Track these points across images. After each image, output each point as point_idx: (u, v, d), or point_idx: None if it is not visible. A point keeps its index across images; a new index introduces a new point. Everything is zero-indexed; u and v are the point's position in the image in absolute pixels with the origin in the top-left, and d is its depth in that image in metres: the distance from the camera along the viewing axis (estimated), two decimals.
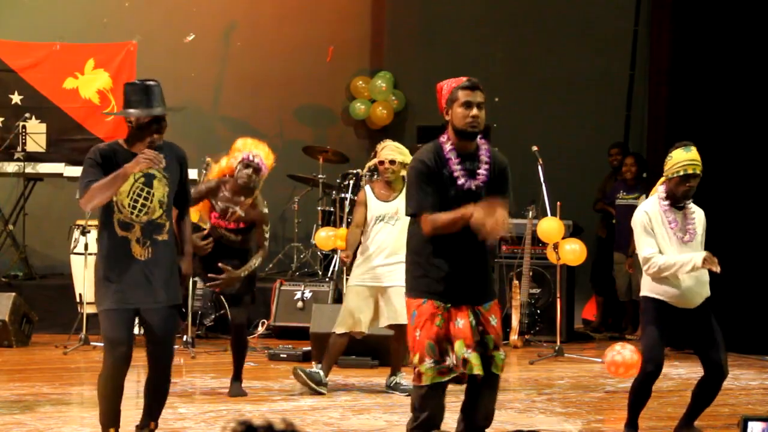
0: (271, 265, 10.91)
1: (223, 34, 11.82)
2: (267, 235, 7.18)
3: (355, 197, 7.95)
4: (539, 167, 9.12)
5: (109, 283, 5.28)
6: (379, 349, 8.11)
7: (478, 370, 4.96)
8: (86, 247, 9.01)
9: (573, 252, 8.97)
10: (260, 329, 9.66)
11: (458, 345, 4.97)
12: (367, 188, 7.45)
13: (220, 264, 6.94)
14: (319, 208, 10.74)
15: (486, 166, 5.07)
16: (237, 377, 7.26)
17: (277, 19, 11.96)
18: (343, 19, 12.11)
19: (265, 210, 7.16)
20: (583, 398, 7.41)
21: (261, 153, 7.09)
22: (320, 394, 7.24)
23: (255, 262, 7.11)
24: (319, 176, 10.77)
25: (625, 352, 5.93)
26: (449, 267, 5.02)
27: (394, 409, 6.84)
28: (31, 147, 10.44)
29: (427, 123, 10.58)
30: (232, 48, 11.84)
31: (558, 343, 9.03)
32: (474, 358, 4.97)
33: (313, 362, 7.58)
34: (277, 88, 11.88)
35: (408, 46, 12.17)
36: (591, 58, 11.62)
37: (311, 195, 11.08)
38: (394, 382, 7.39)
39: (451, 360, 4.99)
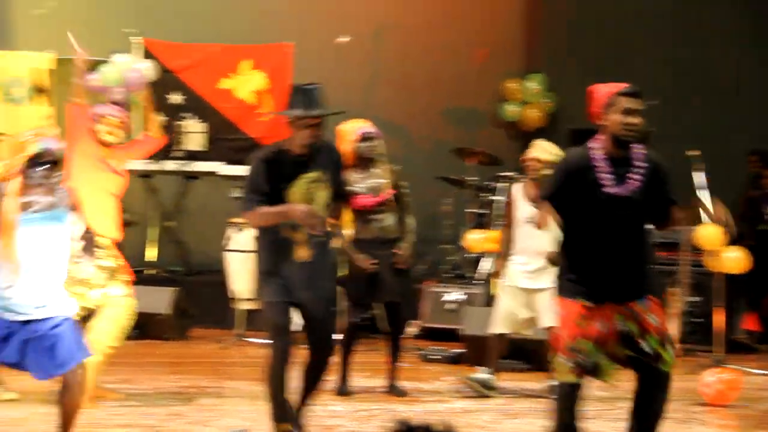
0: (421, 267, 10.93)
1: (375, 37, 11.90)
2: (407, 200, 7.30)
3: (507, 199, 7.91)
4: (697, 172, 8.90)
5: (271, 278, 5.48)
6: (532, 353, 8.04)
7: (605, 377, 4.95)
8: (241, 244, 9.20)
9: (735, 260, 8.71)
10: (412, 330, 9.68)
11: (593, 346, 4.94)
12: (516, 188, 7.42)
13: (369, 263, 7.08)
14: (469, 210, 10.71)
15: (639, 171, 5.00)
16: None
17: (429, 22, 11.98)
18: (494, 20, 12.06)
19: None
20: (746, 412, 7.20)
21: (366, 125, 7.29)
22: (487, 396, 7.24)
23: (412, 236, 7.24)
24: (470, 178, 10.74)
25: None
26: (596, 265, 4.98)
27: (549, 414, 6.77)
28: (191, 146, 10.71)
29: (580, 126, 10.42)
30: (384, 50, 11.90)
31: (721, 353, 8.76)
32: (606, 364, 4.95)
33: (477, 367, 7.51)
34: (427, 90, 11.90)
35: (562, 47, 12.04)
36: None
37: (461, 197, 11.06)
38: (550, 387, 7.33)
39: (586, 361, 4.95)
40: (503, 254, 7.35)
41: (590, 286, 4.97)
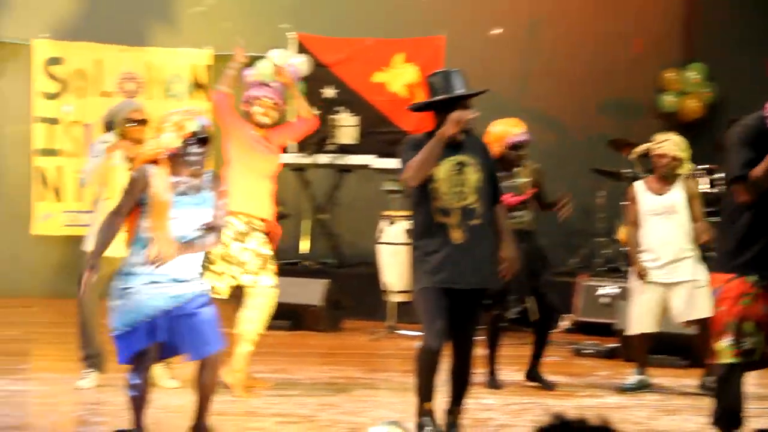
0: (574, 260, 10.79)
1: (529, 29, 11.78)
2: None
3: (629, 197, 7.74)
4: None
5: (425, 265, 5.47)
6: (689, 349, 7.83)
7: (759, 362, 4.77)
8: (393, 237, 9.24)
9: None
10: (565, 324, 9.54)
11: (755, 328, 4.78)
12: (638, 184, 7.30)
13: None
14: (624, 202, 10.48)
15: None
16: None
17: (583, 12, 11.79)
18: (651, 10, 11.80)
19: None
20: None
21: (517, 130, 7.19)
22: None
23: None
24: (625, 170, 10.52)
25: None
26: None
27: (706, 411, 6.59)
28: (343, 139, 10.80)
29: (742, 116, 10.10)
30: (538, 42, 11.77)
31: None
32: (762, 349, 4.78)
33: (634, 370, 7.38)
34: (583, 82, 11.72)
35: (723, 35, 11.69)
36: None
37: (616, 189, 10.85)
38: (707, 382, 7.14)
39: (745, 342, 4.79)
40: (633, 253, 7.21)
41: (761, 259, 4.81)
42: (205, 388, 5.33)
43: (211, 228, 5.26)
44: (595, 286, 9.62)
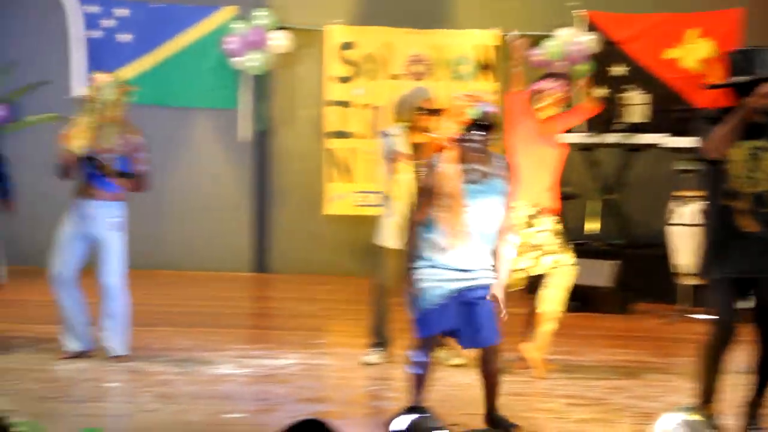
0: None
1: None
2: None
3: None
4: None
5: (716, 253, 5.24)
6: None
7: None
8: (685, 218, 8.96)
9: None
10: None
11: None
12: None
13: None
14: None
15: None
16: None
17: None
18: None
19: None
20: None
21: None
22: None
23: None
24: None
25: None
26: None
27: None
28: (633, 118, 10.55)
29: None
30: None
31: None
32: None
33: None
34: None
35: None
36: None
37: None
38: None
39: None
40: None
41: None
42: (489, 377, 5.38)
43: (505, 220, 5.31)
44: None
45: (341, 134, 11.18)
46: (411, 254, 5.32)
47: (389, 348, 7.17)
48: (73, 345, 7.01)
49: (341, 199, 11.14)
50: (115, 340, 6.97)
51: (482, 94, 5.60)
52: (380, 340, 7.16)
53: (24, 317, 7.74)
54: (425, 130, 6.89)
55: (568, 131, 7.73)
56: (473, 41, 11.17)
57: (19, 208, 9.61)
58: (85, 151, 6.82)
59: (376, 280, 7.14)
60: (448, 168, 5.20)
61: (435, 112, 6.91)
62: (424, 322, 5.27)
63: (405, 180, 6.86)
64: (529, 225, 6.77)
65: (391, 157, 6.96)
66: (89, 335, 7.05)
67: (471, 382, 6.10)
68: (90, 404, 6.05)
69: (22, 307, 8.19)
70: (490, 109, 5.27)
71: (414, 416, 4.87)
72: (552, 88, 6.93)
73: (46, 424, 4.85)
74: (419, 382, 5.39)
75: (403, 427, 4.81)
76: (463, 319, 5.25)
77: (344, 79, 11.20)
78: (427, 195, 5.27)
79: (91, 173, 6.87)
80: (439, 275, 5.23)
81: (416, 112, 6.95)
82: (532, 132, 6.88)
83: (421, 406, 5.26)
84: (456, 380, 6.56)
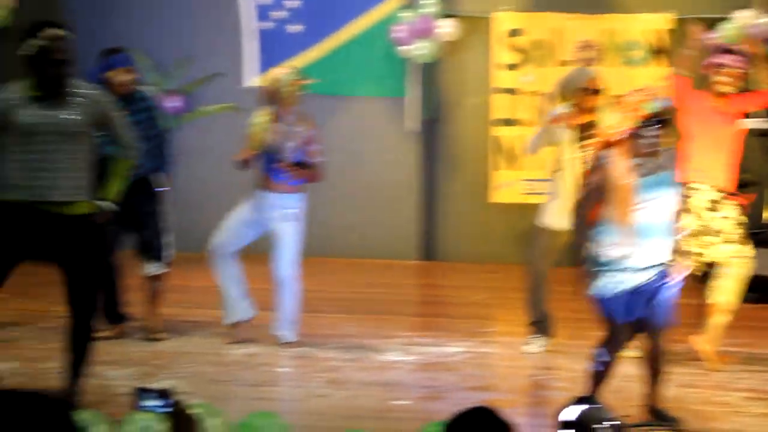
0: None
1: None
2: None
3: None
4: None
5: None
6: None
7: None
8: None
9: None
10: None
11: None
12: None
13: None
14: None
15: None
16: None
17: None
18: None
19: None
20: None
21: None
22: None
23: None
24: None
25: None
26: None
27: None
28: None
29: None
30: None
31: None
32: None
33: None
34: None
35: None
36: None
37: None
38: None
39: None
40: None
41: None
42: (655, 368, 5.27)
43: (678, 212, 5.21)
44: None
45: (509, 122, 11.09)
46: (583, 252, 5.25)
47: (550, 335, 7.08)
48: (230, 317, 7.17)
49: (508, 187, 11.06)
50: (286, 326, 7.09)
51: (656, 88, 5.49)
52: (540, 327, 7.08)
53: (196, 302, 7.95)
54: (590, 110, 6.80)
55: (746, 116, 7.47)
56: (645, 26, 10.91)
57: (191, 197, 9.91)
58: (264, 144, 6.94)
59: (533, 263, 7.06)
60: (620, 164, 5.12)
61: (598, 92, 6.82)
62: (608, 314, 5.21)
63: (569, 160, 6.80)
64: (712, 209, 6.59)
65: (543, 140, 6.91)
66: (246, 307, 7.17)
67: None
68: (262, 388, 6.17)
69: (194, 292, 8.42)
70: (666, 104, 5.17)
71: (584, 407, 4.79)
72: (731, 62, 6.72)
73: (220, 407, 4.95)
74: (596, 378, 5.32)
75: (573, 417, 4.74)
76: (641, 310, 5.19)
77: (512, 66, 11.10)
78: (598, 193, 5.19)
79: (269, 165, 6.99)
80: (618, 274, 5.16)
81: (580, 93, 6.86)
82: (707, 111, 6.69)
83: (592, 397, 5.18)
84: (629, 372, 6.41)
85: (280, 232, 7.01)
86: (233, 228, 7.07)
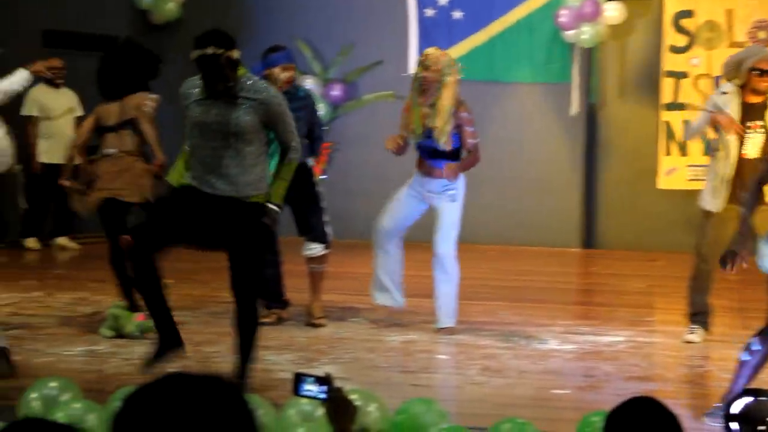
0: None
1: None
2: None
3: None
4: None
5: None
6: None
7: None
8: None
9: None
10: None
11: None
12: None
13: None
14: None
15: None
16: None
17: None
18: None
19: None
20: None
21: None
22: None
23: None
24: None
25: None
26: None
27: None
28: None
29: None
30: None
31: None
32: None
33: None
34: None
35: None
36: None
37: None
38: None
39: None
40: None
41: None
42: None
43: None
44: None
45: (677, 106, 10.84)
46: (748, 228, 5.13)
47: (709, 324, 6.91)
48: (381, 299, 7.23)
49: (675, 172, 10.82)
50: (444, 311, 7.10)
51: None
52: (697, 319, 6.92)
53: (357, 289, 8.06)
54: (761, 93, 6.60)
55: None
56: None
57: (351, 184, 10.02)
58: (420, 130, 6.97)
59: (698, 250, 6.89)
60: None
61: None
62: None
63: (729, 141, 6.63)
64: None
65: (714, 116, 6.71)
66: (397, 296, 7.22)
67: None
68: (420, 374, 6.21)
69: (355, 279, 8.53)
70: None
71: (750, 399, 4.66)
72: None
73: (379, 393, 5.01)
74: (742, 369, 5.17)
75: (737, 410, 4.61)
76: None
77: (680, 49, 10.84)
78: None
79: (426, 151, 7.01)
80: None
81: (750, 73, 6.65)
82: None
83: (760, 390, 5.04)
84: None
85: (440, 210, 7.03)
86: (395, 206, 7.13)
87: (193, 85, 5.46)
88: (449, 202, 7.00)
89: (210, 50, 5.25)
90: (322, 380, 3.04)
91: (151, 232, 5.41)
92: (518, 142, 11.35)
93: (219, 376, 1.99)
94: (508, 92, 11.38)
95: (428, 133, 6.94)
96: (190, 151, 5.49)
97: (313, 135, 7.18)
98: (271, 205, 5.47)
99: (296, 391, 3.08)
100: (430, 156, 6.98)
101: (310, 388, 3.06)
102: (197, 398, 1.93)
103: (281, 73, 7.04)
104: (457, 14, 11.37)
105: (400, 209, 7.12)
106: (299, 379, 3.08)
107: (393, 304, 7.29)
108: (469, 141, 6.98)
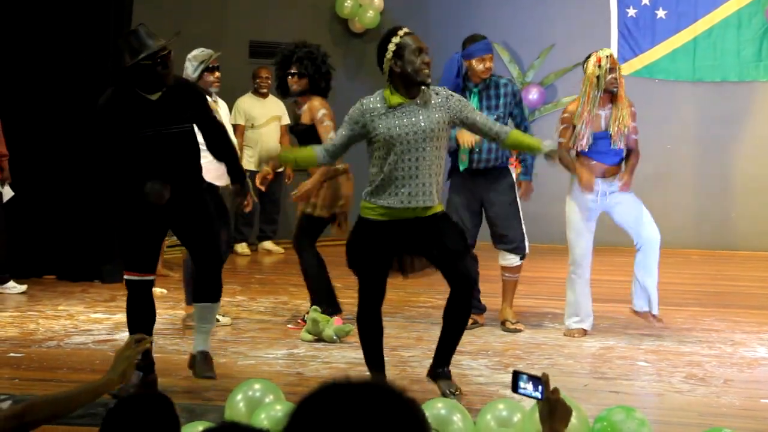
0: None
1: None
2: None
3: None
4: None
5: None
6: None
7: None
8: None
9: None
10: None
11: None
12: None
13: None
14: None
15: None
16: None
17: None
18: None
19: None
20: None
21: None
22: None
23: None
24: None
25: None
26: None
27: None
28: None
29: None
30: None
31: None
32: None
33: None
34: None
35: None
36: None
37: None
38: None
39: None
40: None
41: None
42: None
43: None
44: None
45: None
46: None
47: None
48: (572, 323, 7.07)
49: None
50: (652, 303, 6.91)
51: None
52: None
53: (551, 294, 7.94)
54: None
55: None
56: None
57: (548, 188, 9.88)
58: (590, 130, 6.84)
59: None
60: None
61: None
62: None
63: None
64: None
65: None
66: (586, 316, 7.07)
67: None
68: (620, 381, 6.06)
69: (548, 284, 8.41)
70: None
71: None
72: None
73: (578, 400, 4.91)
74: None
75: None
76: None
77: None
78: None
79: (599, 153, 6.89)
80: None
81: None
82: None
83: None
84: None
85: (626, 202, 6.88)
86: (586, 237, 6.98)
87: (372, 101, 5.39)
88: (629, 192, 6.86)
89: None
90: (537, 380, 3.06)
91: (377, 286, 5.47)
92: (720, 143, 10.95)
93: (385, 382, 1.97)
94: (712, 92, 11.03)
95: (603, 134, 6.82)
96: (377, 165, 5.44)
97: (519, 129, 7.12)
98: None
99: (514, 388, 3.11)
100: (602, 156, 6.86)
101: (526, 386, 3.09)
102: (366, 405, 1.92)
103: (478, 65, 7.02)
104: (661, 13, 11.09)
105: (589, 235, 6.98)
106: (517, 377, 3.11)
107: (584, 326, 7.12)
108: (633, 137, 6.86)
